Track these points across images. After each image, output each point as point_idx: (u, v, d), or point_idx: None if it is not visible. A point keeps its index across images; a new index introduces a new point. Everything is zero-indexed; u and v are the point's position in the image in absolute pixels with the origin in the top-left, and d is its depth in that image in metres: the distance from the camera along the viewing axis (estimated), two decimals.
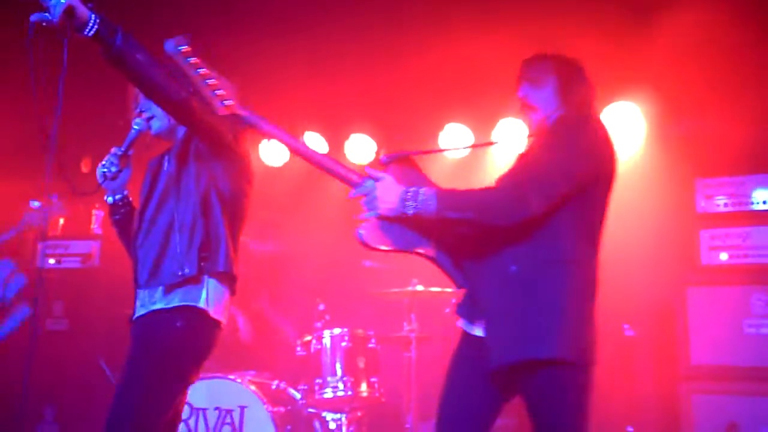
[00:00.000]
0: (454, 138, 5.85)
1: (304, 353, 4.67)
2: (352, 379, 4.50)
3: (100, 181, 2.87)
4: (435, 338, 4.88)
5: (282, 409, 4.54)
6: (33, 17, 2.37)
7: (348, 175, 2.60)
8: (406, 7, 4.86)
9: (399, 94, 5.59)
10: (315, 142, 6.12)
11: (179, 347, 2.66)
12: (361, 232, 2.50)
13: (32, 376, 5.41)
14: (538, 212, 2.39)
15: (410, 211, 2.46)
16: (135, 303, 2.80)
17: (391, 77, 5.41)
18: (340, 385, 4.50)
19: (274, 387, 4.67)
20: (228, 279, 2.76)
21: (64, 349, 5.55)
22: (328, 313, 4.77)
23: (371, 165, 2.66)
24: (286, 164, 6.19)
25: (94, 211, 6.31)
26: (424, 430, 4.67)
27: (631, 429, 4.77)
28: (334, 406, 4.57)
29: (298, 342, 4.76)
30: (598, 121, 2.61)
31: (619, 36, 4.70)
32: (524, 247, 2.44)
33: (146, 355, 2.66)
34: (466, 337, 2.63)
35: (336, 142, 6.14)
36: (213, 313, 2.69)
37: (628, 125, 5.28)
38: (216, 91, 2.48)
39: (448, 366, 2.67)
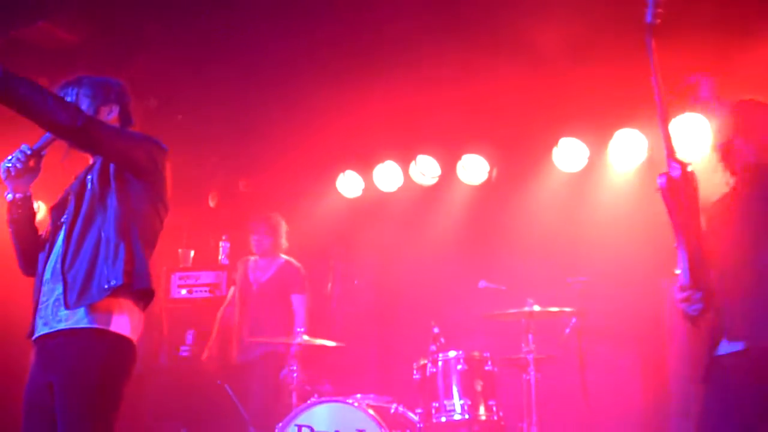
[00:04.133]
0: (568, 153, 5.71)
1: (420, 377, 4.67)
2: (470, 402, 4.45)
3: (2, 176, 2.86)
4: (554, 359, 4.74)
5: None
6: None
7: None
8: (510, 32, 4.85)
9: (510, 111, 5.54)
10: (428, 164, 6.15)
11: (109, 377, 2.69)
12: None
13: (169, 399, 5.70)
14: None
15: None
16: (36, 320, 2.80)
17: (501, 95, 5.38)
18: (458, 409, 4.45)
19: (392, 411, 4.69)
20: (145, 295, 2.81)
21: (196, 374, 5.81)
22: (443, 336, 4.74)
23: None
24: (399, 189, 6.25)
25: (221, 243, 6.62)
26: None
27: None
28: (452, 429, 4.52)
29: (414, 365, 4.76)
30: None
31: None
32: None
33: (87, 388, 2.65)
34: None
35: (449, 163, 6.14)
36: (124, 332, 2.73)
37: None
38: None
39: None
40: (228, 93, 5.68)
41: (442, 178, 6.18)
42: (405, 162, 6.22)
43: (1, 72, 2.55)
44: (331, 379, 5.24)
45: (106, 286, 2.69)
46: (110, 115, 3.00)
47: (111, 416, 2.67)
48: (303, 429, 4.61)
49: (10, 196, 2.91)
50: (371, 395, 4.86)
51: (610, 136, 5.52)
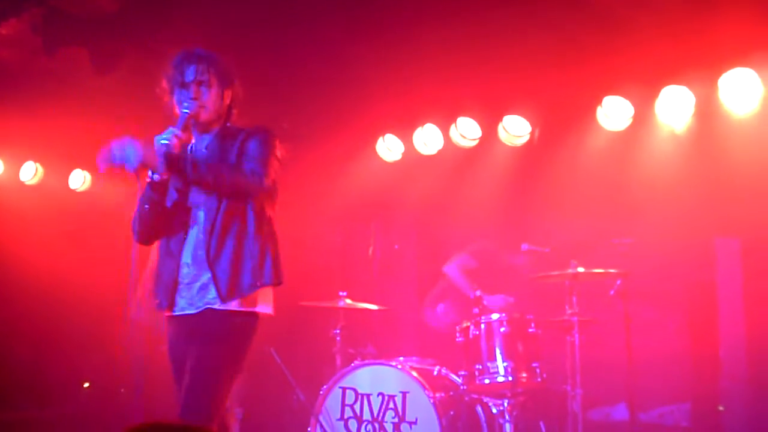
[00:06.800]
0: (613, 112, 5.57)
1: (463, 339, 4.66)
2: (513, 365, 4.43)
3: (160, 156, 2.91)
4: (598, 321, 4.68)
5: (443, 395, 4.55)
6: (102, 167, 2.86)
7: None
8: None
9: (552, 70, 5.41)
10: (468, 126, 6.06)
11: (245, 346, 3.00)
12: None
13: None
14: None
15: None
16: (175, 298, 3.02)
17: (542, 54, 5.26)
18: (501, 371, 4.44)
19: (435, 373, 4.70)
20: (279, 283, 3.09)
21: None
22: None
23: None
24: (439, 152, 6.18)
25: None
26: (590, 416, 4.50)
27: None
28: (495, 391, 4.51)
29: (457, 328, 4.74)
30: None
31: None
32: None
33: (224, 350, 2.95)
34: None
35: (490, 125, 6.04)
36: (267, 312, 3.07)
37: None
38: None
39: None
40: (267, 60, 5.64)
41: (482, 140, 6.08)
42: (445, 124, 6.14)
43: (189, 168, 2.87)
44: (374, 342, 5.27)
45: (258, 284, 2.98)
46: (227, 99, 3.19)
47: (234, 381, 2.98)
48: (347, 391, 4.65)
49: (156, 176, 2.97)
50: (414, 358, 4.87)
51: (655, 93, 5.36)
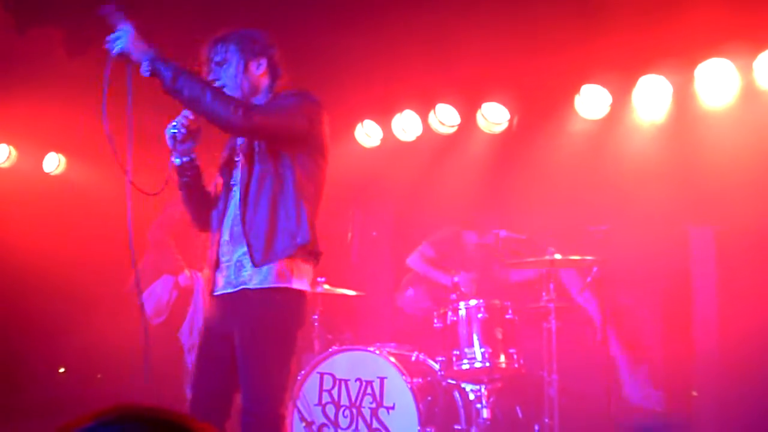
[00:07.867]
0: (591, 100, 5.60)
1: (441, 325, 4.68)
2: (490, 350, 4.46)
3: (169, 142, 2.93)
4: (575, 308, 4.73)
5: (421, 381, 4.57)
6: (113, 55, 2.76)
7: None
8: None
9: (531, 58, 5.42)
10: (447, 113, 6.06)
11: (288, 324, 2.93)
12: None
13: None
14: None
15: None
16: (216, 278, 2.99)
17: (522, 41, 5.26)
18: (478, 356, 4.47)
19: (413, 359, 4.71)
20: (317, 255, 2.98)
21: None
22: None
23: None
24: (418, 138, 6.18)
25: None
26: (565, 402, 4.54)
27: None
28: (473, 377, 4.55)
29: (435, 314, 4.76)
30: None
31: None
32: None
33: (267, 331, 2.89)
34: None
35: (469, 112, 6.04)
36: (302, 288, 2.94)
37: None
38: None
39: None
40: None
41: (461, 126, 6.09)
42: (424, 111, 6.13)
43: (170, 76, 2.72)
44: (352, 327, 5.27)
45: (293, 244, 2.87)
46: (259, 69, 3.07)
47: (290, 361, 2.92)
48: (325, 377, 4.65)
49: (178, 161, 2.97)
50: (392, 344, 4.89)
51: (633, 82, 5.41)
